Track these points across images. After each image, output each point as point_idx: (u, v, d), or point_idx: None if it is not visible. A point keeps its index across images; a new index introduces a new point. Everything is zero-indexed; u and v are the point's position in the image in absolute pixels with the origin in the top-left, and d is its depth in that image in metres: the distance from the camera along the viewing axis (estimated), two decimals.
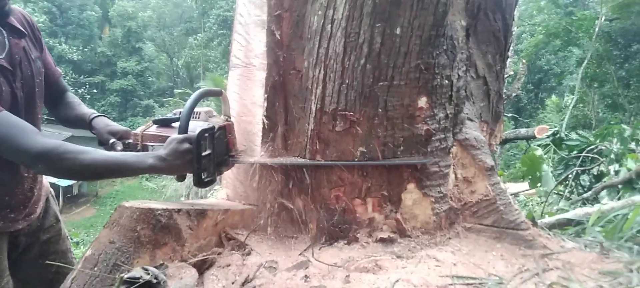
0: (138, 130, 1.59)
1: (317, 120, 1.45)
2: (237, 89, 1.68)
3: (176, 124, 1.48)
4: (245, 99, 1.65)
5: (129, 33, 29.10)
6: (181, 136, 1.38)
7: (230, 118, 1.60)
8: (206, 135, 1.42)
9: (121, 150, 1.58)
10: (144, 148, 1.54)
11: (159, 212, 1.35)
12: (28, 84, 1.57)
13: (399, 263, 1.34)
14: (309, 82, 1.47)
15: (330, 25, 1.37)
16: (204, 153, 1.41)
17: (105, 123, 1.75)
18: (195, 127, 1.42)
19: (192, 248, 1.42)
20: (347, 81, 1.37)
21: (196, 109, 1.49)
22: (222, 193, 1.89)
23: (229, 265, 1.40)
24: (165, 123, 1.55)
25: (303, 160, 1.51)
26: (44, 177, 1.80)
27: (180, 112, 1.52)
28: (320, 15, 1.39)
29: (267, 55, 1.55)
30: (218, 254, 1.46)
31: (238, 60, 1.67)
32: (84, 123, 1.80)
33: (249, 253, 1.48)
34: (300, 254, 1.47)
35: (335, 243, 1.50)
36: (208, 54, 28.32)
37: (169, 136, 1.42)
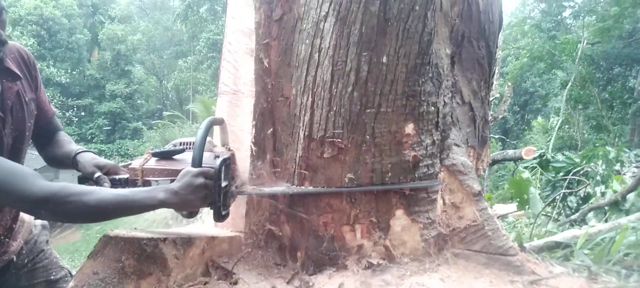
0: (136, 165, 1.47)
1: (305, 147, 1.46)
2: (226, 115, 1.68)
3: (179, 157, 1.42)
4: (233, 126, 1.65)
5: (118, 56, 29.08)
6: (196, 169, 1.30)
7: (230, 147, 1.55)
8: (224, 166, 1.35)
9: (109, 187, 1.48)
10: (146, 185, 1.43)
11: (144, 241, 1.33)
12: (18, 128, 1.51)
13: None
14: (297, 109, 1.48)
15: (317, 54, 1.38)
16: (222, 185, 1.34)
17: (91, 157, 1.65)
18: (206, 158, 1.35)
19: (178, 278, 1.40)
20: (334, 108, 1.38)
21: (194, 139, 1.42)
22: (210, 220, 1.87)
23: None
24: (166, 155, 1.45)
25: (303, 188, 1.49)
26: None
27: (180, 143, 1.47)
28: (308, 44, 1.41)
29: (255, 83, 1.55)
30: (204, 283, 1.44)
31: (226, 87, 1.68)
32: (69, 160, 1.70)
33: (236, 282, 1.46)
34: (288, 282, 1.45)
35: (324, 271, 1.48)
36: (198, 76, 28.37)
37: (175, 169, 1.35)
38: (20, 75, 1.52)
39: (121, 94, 28.72)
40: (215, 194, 1.31)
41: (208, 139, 1.45)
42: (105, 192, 1.28)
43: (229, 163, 1.39)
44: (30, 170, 1.28)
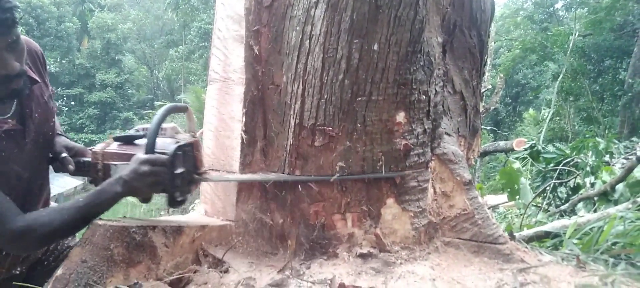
0: (97, 148, 1.49)
1: (296, 135, 1.45)
2: (216, 103, 1.66)
3: (139, 141, 1.42)
4: (223, 114, 1.63)
5: (109, 45, 28.74)
6: (144, 157, 1.30)
7: (195, 134, 1.54)
8: (179, 152, 1.35)
9: (74, 169, 1.52)
10: (105, 168, 1.45)
11: (134, 229, 1.32)
12: (42, 132, 1.50)
13: (379, 279, 1.33)
14: (288, 97, 1.47)
15: (308, 41, 1.37)
16: (176, 172, 1.34)
17: (63, 140, 1.66)
18: (164, 144, 1.37)
19: (168, 266, 1.39)
20: (325, 96, 1.37)
21: (162, 125, 1.43)
22: (201, 209, 1.85)
23: (206, 283, 1.37)
24: (128, 140, 1.46)
25: (275, 175, 1.50)
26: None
27: (143, 129, 1.46)
28: (299, 30, 1.39)
29: (245, 70, 1.54)
30: (194, 272, 1.43)
31: (216, 75, 1.66)
32: None
33: (226, 271, 1.45)
34: (279, 271, 1.45)
35: (315, 259, 1.48)
36: (189, 66, 28.13)
37: (133, 155, 1.35)
38: (37, 78, 1.50)
39: (112, 84, 28.46)
40: (167, 181, 1.31)
41: (172, 125, 1.48)
42: (67, 210, 1.30)
43: (187, 149, 1.39)
44: (12, 206, 1.29)
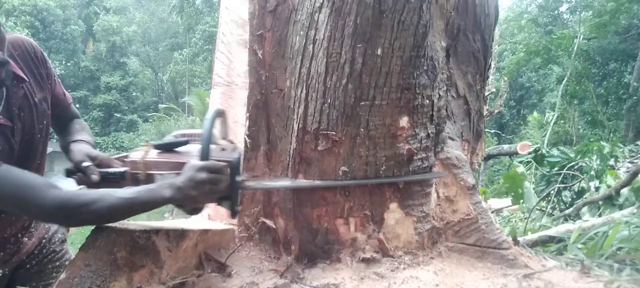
0: (136, 157, 1.37)
1: (299, 140, 1.45)
2: (219, 107, 1.67)
3: (182, 149, 1.36)
4: (227, 118, 1.64)
5: (113, 48, 28.89)
6: (200, 163, 1.23)
7: (232, 140, 1.48)
8: (240, 159, 1.30)
9: (98, 180, 1.40)
10: (149, 178, 1.34)
11: (137, 233, 1.32)
12: (28, 132, 1.45)
13: (382, 284, 1.33)
14: (291, 101, 1.47)
15: (312, 46, 1.37)
16: (237, 179, 1.29)
17: (84, 146, 1.56)
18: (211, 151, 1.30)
19: (171, 271, 1.39)
20: (329, 101, 1.37)
21: (199, 131, 1.36)
22: (204, 213, 1.86)
23: (209, 287, 1.37)
24: (168, 147, 1.37)
25: (306, 182, 1.46)
26: None
27: (181, 135, 1.40)
28: (302, 35, 1.39)
29: (249, 74, 1.54)
30: (198, 276, 1.43)
31: (220, 79, 1.66)
32: (64, 149, 1.62)
33: (229, 275, 1.45)
34: (281, 275, 1.44)
35: (318, 264, 1.48)
36: (193, 69, 28.23)
37: (180, 162, 1.29)
38: (26, 76, 1.45)
39: (116, 86, 28.57)
40: (227, 189, 1.26)
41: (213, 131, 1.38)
42: (113, 197, 1.23)
43: (240, 157, 1.34)
44: (41, 180, 1.26)
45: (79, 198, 1.23)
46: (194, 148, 1.33)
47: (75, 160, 1.47)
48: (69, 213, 1.22)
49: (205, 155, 1.25)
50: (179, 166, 1.29)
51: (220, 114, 1.45)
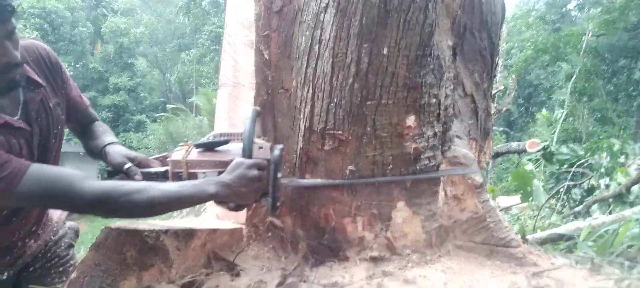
0: (178, 157, 1.39)
1: (305, 139, 1.45)
2: (226, 107, 1.68)
3: (222, 148, 1.38)
4: (233, 118, 1.65)
5: (121, 49, 29.04)
6: (250, 161, 1.26)
7: (267, 138, 1.51)
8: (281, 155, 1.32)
9: (141, 179, 1.43)
10: (191, 177, 1.36)
11: (146, 233, 1.33)
12: (44, 137, 1.47)
13: (390, 283, 1.33)
14: (298, 101, 1.47)
15: (317, 46, 1.37)
16: (279, 176, 1.32)
17: (120, 148, 1.60)
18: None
19: (180, 270, 1.40)
20: (335, 100, 1.38)
21: (237, 130, 1.40)
22: (212, 212, 1.87)
23: (218, 286, 1.38)
24: (209, 147, 1.39)
25: (343, 181, 1.46)
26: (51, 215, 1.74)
27: (220, 135, 1.42)
28: (308, 35, 1.40)
29: (255, 75, 1.55)
30: (206, 275, 1.44)
31: (227, 80, 1.67)
32: (99, 152, 1.64)
33: (237, 274, 1.46)
34: (289, 274, 1.45)
35: (326, 263, 1.49)
36: (201, 69, 28.32)
37: (222, 160, 1.32)
38: (43, 82, 1.47)
39: (124, 87, 28.73)
40: (271, 186, 1.28)
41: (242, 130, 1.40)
42: (155, 190, 1.25)
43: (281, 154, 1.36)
44: (76, 173, 1.27)
45: (121, 187, 1.25)
46: (234, 147, 1.36)
47: (116, 162, 1.51)
48: (109, 203, 1.24)
49: (248, 153, 1.28)
50: (222, 164, 1.32)
51: (258, 113, 1.47)
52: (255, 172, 1.25)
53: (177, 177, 1.39)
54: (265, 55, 1.53)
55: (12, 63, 1.27)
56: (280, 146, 1.36)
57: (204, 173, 1.35)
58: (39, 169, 1.24)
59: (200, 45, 28.17)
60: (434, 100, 1.44)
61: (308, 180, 1.46)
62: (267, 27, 1.53)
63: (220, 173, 1.31)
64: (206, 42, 27.15)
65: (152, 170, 1.47)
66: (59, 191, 1.23)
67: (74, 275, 1.30)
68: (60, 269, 1.80)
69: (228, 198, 1.28)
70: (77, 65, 27.38)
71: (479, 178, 1.55)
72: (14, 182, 1.18)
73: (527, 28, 21.68)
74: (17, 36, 1.30)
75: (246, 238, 1.62)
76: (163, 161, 1.52)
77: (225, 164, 1.31)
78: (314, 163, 1.46)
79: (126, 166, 1.46)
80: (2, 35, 1.22)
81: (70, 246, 1.87)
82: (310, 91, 1.41)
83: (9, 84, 1.32)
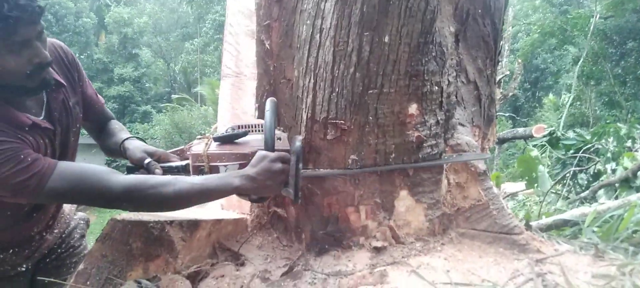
0: (198, 150, 1.38)
1: (308, 129, 1.46)
2: (229, 98, 1.68)
3: (241, 140, 1.37)
4: (236, 108, 1.65)
5: (125, 39, 29.06)
6: (275, 154, 1.27)
7: (284, 129, 1.51)
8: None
9: (162, 174, 1.44)
10: (213, 170, 1.35)
11: (151, 224, 1.35)
12: (64, 136, 1.49)
13: (393, 271, 1.34)
14: (300, 91, 1.47)
15: (318, 35, 1.37)
16: (300, 167, 1.31)
17: (139, 144, 1.61)
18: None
19: (185, 260, 1.42)
20: (337, 90, 1.38)
21: (254, 122, 1.40)
22: (217, 203, 1.88)
23: (223, 276, 1.40)
24: (229, 139, 1.38)
25: (360, 169, 1.45)
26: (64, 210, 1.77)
27: (239, 127, 1.41)
28: (309, 24, 1.39)
29: (257, 65, 1.55)
30: (211, 265, 1.46)
31: (229, 70, 1.67)
32: (117, 149, 1.66)
33: (242, 263, 1.48)
34: (293, 263, 1.46)
35: (329, 252, 1.50)
36: (205, 58, 28.30)
37: (242, 153, 1.32)
38: (64, 80, 1.49)
39: (129, 78, 28.79)
40: (293, 177, 1.28)
41: (261, 121, 1.40)
42: (181, 183, 1.26)
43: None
44: (103, 168, 1.29)
45: (148, 180, 1.27)
46: (253, 138, 1.36)
47: (135, 157, 1.53)
48: (138, 196, 1.25)
49: (270, 145, 1.28)
50: (243, 157, 1.32)
51: (276, 104, 1.45)
52: (279, 165, 1.26)
53: (198, 170, 1.38)
54: (267, 45, 1.53)
55: (44, 63, 1.28)
56: (300, 137, 1.36)
57: (226, 166, 1.35)
58: (67, 166, 1.27)
59: (204, 34, 28.12)
60: (437, 88, 1.43)
61: (324, 171, 1.45)
62: (268, 16, 1.52)
63: (241, 165, 1.31)
64: (210, 31, 27.09)
65: (173, 164, 1.48)
66: (88, 186, 1.24)
67: (81, 266, 1.32)
68: (75, 259, 1.84)
69: (253, 191, 1.28)
70: (82, 57, 27.43)
71: (481, 166, 1.54)
72: (44, 179, 1.20)
73: (534, 11, 21.41)
74: (45, 36, 1.31)
75: (250, 228, 1.64)
76: (181, 155, 1.53)
77: (245, 156, 1.31)
78: (317, 153, 1.46)
79: (146, 161, 1.48)
80: (33, 36, 1.23)
81: (83, 236, 1.92)
82: (312, 81, 1.41)
83: (41, 84, 1.33)
